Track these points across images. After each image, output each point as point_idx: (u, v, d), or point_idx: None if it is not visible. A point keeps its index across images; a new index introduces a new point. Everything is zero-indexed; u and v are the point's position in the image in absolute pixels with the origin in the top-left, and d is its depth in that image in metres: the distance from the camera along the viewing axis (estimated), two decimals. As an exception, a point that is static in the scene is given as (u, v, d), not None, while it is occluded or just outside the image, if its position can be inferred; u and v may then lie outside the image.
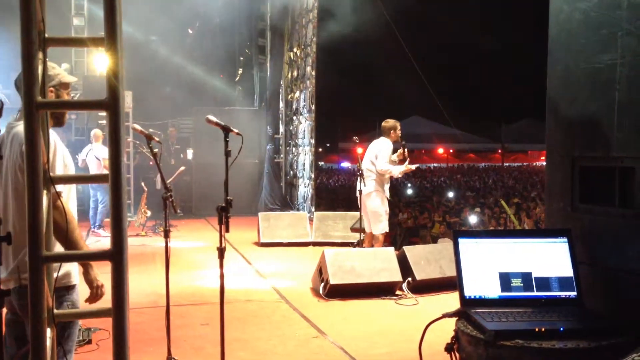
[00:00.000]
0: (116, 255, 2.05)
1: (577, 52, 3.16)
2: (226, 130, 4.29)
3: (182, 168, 12.71)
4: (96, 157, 11.47)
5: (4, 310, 3.03)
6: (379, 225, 8.54)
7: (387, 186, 8.65)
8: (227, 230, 4.04)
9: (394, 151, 8.70)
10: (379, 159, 8.44)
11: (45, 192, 2.07)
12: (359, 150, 9.51)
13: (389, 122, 8.73)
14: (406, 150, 8.83)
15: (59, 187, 2.38)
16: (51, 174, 2.10)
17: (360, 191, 8.37)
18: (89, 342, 5.30)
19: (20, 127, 2.97)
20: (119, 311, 2.06)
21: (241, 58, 17.70)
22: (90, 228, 11.92)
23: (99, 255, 2.22)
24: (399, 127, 8.73)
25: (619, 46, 2.89)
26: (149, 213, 12.20)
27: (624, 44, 2.87)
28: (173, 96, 16.35)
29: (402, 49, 12.88)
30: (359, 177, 8.36)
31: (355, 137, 8.84)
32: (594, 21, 3.06)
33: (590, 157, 3.16)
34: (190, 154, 16.48)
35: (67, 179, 2.83)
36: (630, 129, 2.91)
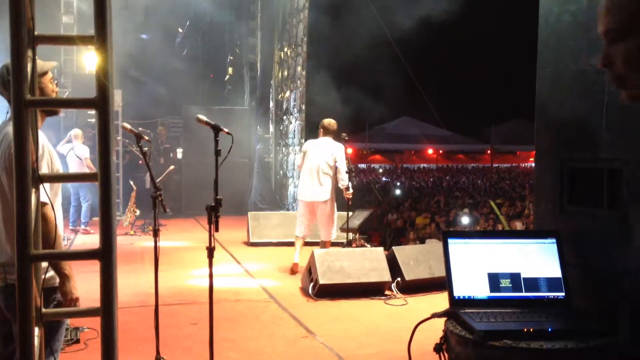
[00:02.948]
0: (105, 254, 2.04)
1: (567, 54, 3.18)
2: (216, 129, 4.28)
3: (172, 167, 12.67)
4: (77, 156, 11.44)
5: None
6: (332, 229, 8.41)
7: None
8: (217, 230, 4.04)
9: None
10: (343, 164, 8.19)
11: (33, 190, 2.06)
12: (349, 150, 9.46)
13: (334, 123, 8.47)
14: None
15: (46, 197, 2.37)
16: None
17: (346, 190, 8.35)
18: (77, 341, 5.28)
19: (9, 128, 2.93)
20: (107, 310, 2.05)
21: (231, 57, 17.67)
22: (80, 227, 11.91)
23: (88, 254, 2.21)
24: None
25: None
26: (137, 212, 12.15)
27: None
28: (163, 95, 16.31)
29: (392, 49, 12.92)
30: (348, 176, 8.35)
31: (344, 134, 8.80)
32: (583, 23, 3.08)
33: (579, 159, 3.18)
34: (179, 153, 16.43)
35: (55, 178, 2.82)
36: (618, 131, 2.93)
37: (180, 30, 18.11)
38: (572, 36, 3.16)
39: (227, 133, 4.31)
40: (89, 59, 13.93)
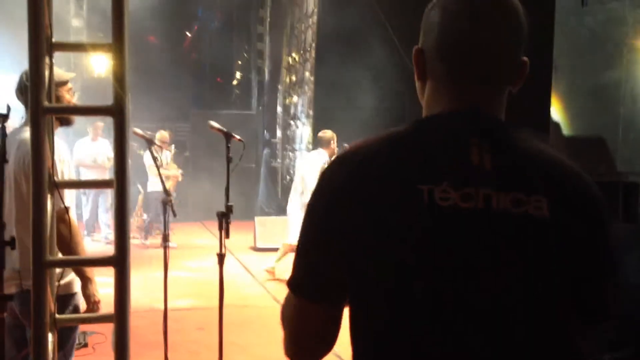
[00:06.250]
0: (119, 261, 2.04)
1: (583, 67, 3.17)
2: (228, 136, 4.28)
3: (180, 171, 12.67)
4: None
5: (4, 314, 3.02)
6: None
7: None
8: (227, 237, 4.04)
9: None
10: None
11: (49, 196, 2.07)
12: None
13: (327, 133, 8.55)
14: None
15: (62, 202, 2.37)
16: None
17: None
18: (85, 345, 5.29)
19: (26, 134, 2.93)
20: (121, 317, 2.05)
21: (239, 62, 17.69)
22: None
23: (103, 261, 2.22)
24: (335, 139, 8.51)
25: (624, 62, 2.90)
26: (145, 216, 12.15)
27: (629, 60, 2.88)
28: (170, 99, 16.32)
29: (399, 53, 12.90)
30: None
31: (344, 144, 8.75)
32: (599, 37, 3.07)
33: (594, 172, 3.16)
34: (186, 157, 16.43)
35: (71, 184, 2.83)
36: (634, 145, 2.92)
37: (188, 34, 18.14)
38: (589, 49, 3.15)
39: (239, 140, 4.32)
40: (98, 63, 13.95)
